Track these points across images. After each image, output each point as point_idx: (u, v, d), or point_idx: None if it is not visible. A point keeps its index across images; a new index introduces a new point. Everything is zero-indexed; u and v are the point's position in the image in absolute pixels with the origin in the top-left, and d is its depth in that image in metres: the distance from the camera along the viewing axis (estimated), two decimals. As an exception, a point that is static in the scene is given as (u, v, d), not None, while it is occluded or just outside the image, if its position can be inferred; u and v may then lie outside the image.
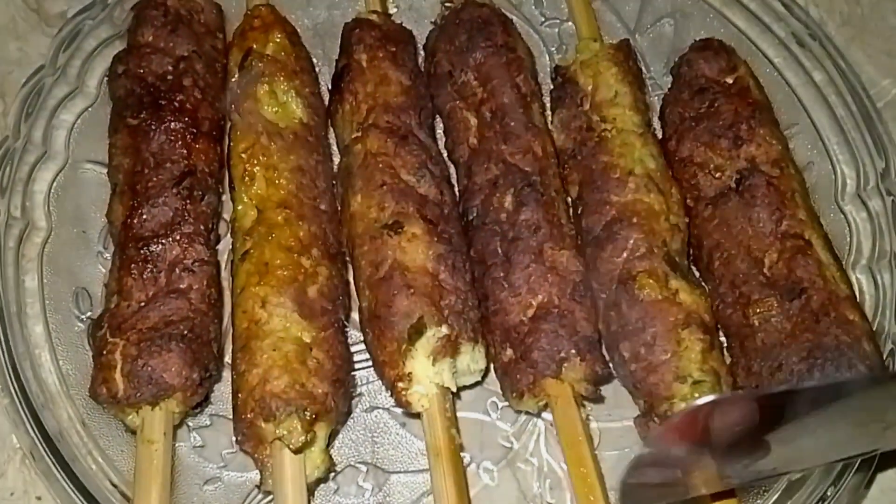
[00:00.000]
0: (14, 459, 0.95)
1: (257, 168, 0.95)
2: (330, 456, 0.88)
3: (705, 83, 1.04)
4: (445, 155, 1.05)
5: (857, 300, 0.95)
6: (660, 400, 0.89)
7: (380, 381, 0.93)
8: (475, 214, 0.98)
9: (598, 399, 0.94)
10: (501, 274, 0.93)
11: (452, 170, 1.04)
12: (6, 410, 0.89)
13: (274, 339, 0.87)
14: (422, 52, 1.11)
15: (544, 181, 0.97)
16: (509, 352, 0.91)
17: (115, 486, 0.88)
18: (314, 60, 1.11)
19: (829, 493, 0.87)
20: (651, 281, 0.91)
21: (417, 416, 0.90)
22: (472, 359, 0.91)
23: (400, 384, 0.88)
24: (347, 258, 0.99)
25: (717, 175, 1.00)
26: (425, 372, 0.88)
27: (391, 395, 0.90)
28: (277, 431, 0.84)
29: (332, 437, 0.92)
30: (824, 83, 1.08)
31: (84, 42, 1.06)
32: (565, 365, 0.89)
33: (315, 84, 1.05)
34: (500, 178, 0.97)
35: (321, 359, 0.87)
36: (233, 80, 1.02)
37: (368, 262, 0.92)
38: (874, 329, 0.95)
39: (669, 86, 1.10)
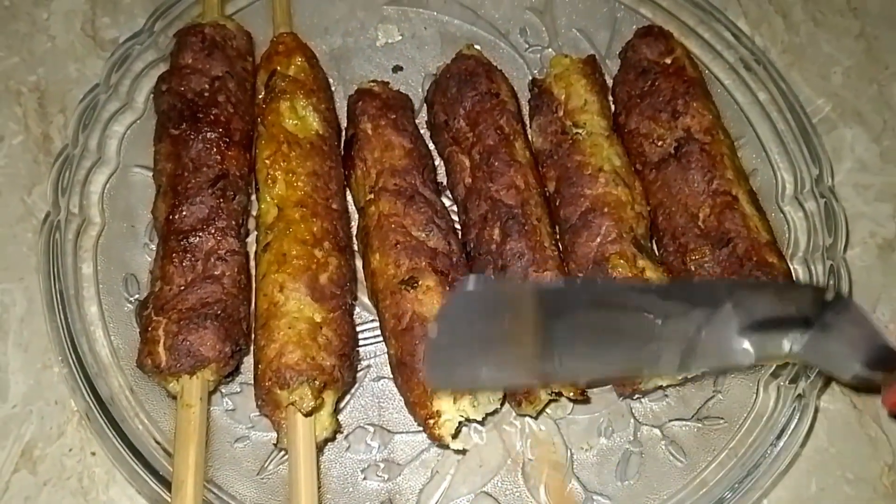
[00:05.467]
0: (72, 421, 0.96)
1: (279, 172, 0.96)
2: (337, 419, 0.90)
3: (647, 65, 1.06)
4: (449, 192, 1.05)
5: (778, 248, 0.96)
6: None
7: (385, 355, 0.94)
8: (472, 246, 0.98)
9: (586, 400, 0.96)
10: None
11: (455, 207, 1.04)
12: (65, 378, 0.90)
13: (289, 318, 0.88)
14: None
15: (526, 211, 0.96)
16: (508, 367, 0.92)
17: (158, 443, 0.90)
18: (330, 81, 1.11)
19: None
20: (622, 261, 0.93)
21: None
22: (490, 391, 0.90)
23: (430, 421, 0.87)
24: (356, 251, 1.00)
25: (659, 143, 1.02)
26: (450, 409, 0.87)
27: (424, 431, 0.89)
28: (290, 398, 0.85)
29: (339, 402, 0.93)
30: (767, 102, 1.09)
31: (133, 64, 1.06)
32: None
33: (330, 101, 1.06)
34: (488, 213, 0.97)
35: (330, 336, 0.89)
36: (260, 97, 1.03)
37: (391, 315, 0.92)
38: None
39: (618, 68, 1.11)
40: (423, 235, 0.95)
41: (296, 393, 0.85)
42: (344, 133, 1.07)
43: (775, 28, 1.26)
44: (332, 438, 0.92)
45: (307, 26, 1.16)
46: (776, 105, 1.09)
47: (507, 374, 0.74)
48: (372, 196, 0.98)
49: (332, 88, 1.12)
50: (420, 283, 0.91)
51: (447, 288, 0.92)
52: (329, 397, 0.88)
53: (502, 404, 0.93)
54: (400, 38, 1.18)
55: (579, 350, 0.72)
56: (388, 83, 1.08)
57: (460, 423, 0.89)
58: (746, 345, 0.75)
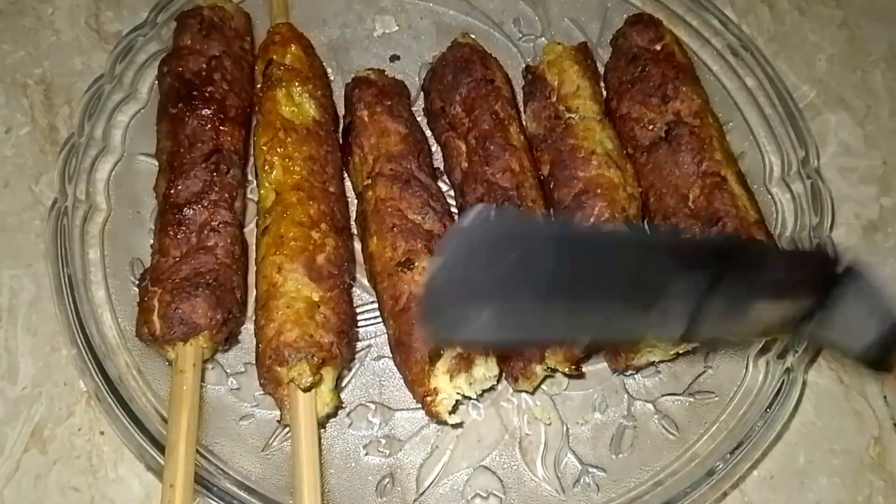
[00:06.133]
0: (81, 401, 0.98)
1: (276, 158, 0.97)
2: (338, 395, 0.91)
3: (637, 51, 1.07)
4: (445, 177, 1.07)
5: (766, 226, 0.97)
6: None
7: (385, 335, 0.95)
8: None
9: (581, 376, 0.97)
10: None
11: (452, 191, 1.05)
12: (74, 360, 0.91)
13: (287, 298, 0.89)
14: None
15: (521, 193, 0.98)
16: (504, 345, 0.92)
17: (165, 421, 0.89)
18: (329, 71, 1.12)
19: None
20: None
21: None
22: (486, 369, 0.91)
23: (427, 398, 0.88)
24: (354, 232, 1.01)
25: (650, 127, 1.03)
26: (446, 386, 0.89)
27: (423, 409, 0.90)
28: (290, 374, 0.86)
29: (340, 380, 0.94)
30: (755, 87, 1.10)
31: (136, 56, 1.07)
32: (547, 351, 0.91)
33: (326, 88, 1.07)
34: (485, 196, 0.98)
35: (328, 314, 0.89)
36: (258, 86, 1.04)
37: (389, 296, 0.93)
38: None
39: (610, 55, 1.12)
40: (419, 218, 0.96)
41: (294, 370, 0.86)
42: (342, 121, 1.08)
43: (762, 17, 1.28)
44: (334, 414, 0.94)
45: (306, 18, 1.17)
46: (763, 90, 1.10)
47: (509, 325, 0.64)
48: (369, 181, 0.99)
49: (331, 79, 1.13)
50: (416, 264, 0.92)
51: None
52: (328, 373, 0.89)
53: (498, 381, 0.94)
54: (397, 28, 1.19)
55: (587, 304, 0.66)
56: (384, 71, 1.09)
57: (457, 400, 0.90)
58: (756, 314, 0.72)
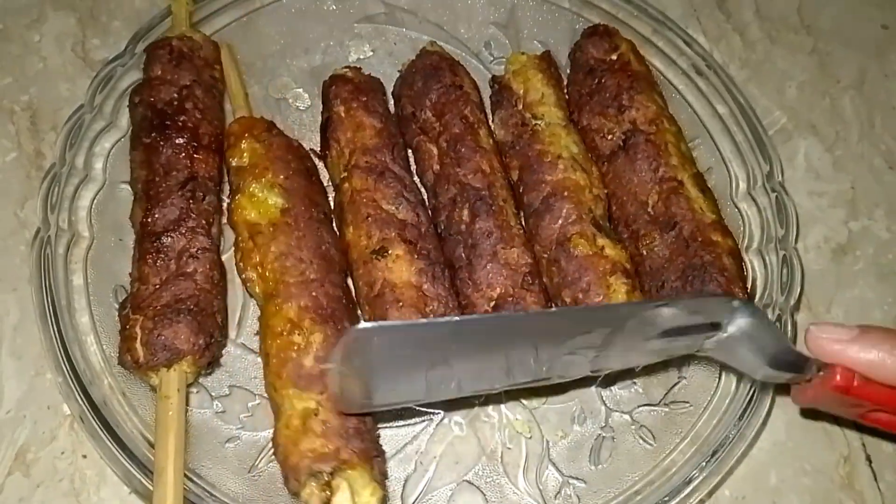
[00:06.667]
0: (64, 425, 0.97)
1: (251, 272, 0.95)
2: (380, 487, 0.84)
3: (594, 63, 1.10)
4: (417, 180, 1.08)
5: (723, 225, 1.00)
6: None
7: None
8: (442, 228, 1.02)
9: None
10: (467, 275, 0.97)
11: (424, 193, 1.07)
12: (59, 385, 0.91)
13: (286, 418, 0.85)
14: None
15: (493, 193, 1.00)
16: (481, 338, 0.95)
17: (151, 444, 0.90)
18: (309, 97, 1.15)
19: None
20: (582, 241, 0.97)
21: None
22: None
23: None
24: (348, 282, 0.99)
25: (609, 137, 1.06)
26: None
27: None
28: (303, 496, 0.82)
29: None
30: (719, 105, 1.13)
31: (117, 84, 1.08)
32: None
33: (288, 167, 1.02)
34: (457, 196, 1.00)
35: (327, 418, 0.85)
36: (225, 197, 1.04)
37: (364, 283, 0.95)
38: (765, 300, 1.00)
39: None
40: (393, 208, 0.98)
41: (304, 492, 0.82)
42: (321, 117, 1.10)
43: (733, 45, 1.31)
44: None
45: (288, 46, 1.19)
46: (727, 107, 1.12)
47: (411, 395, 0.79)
48: (346, 174, 1.02)
49: (310, 104, 1.15)
50: (390, 252, 0.95)
51: (415, 256, 0.95)
52: (350, 477, 0.83)
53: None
54: (371, 53, 1.21)
55: (480, 373, 0.77)
56: (360, 69, 1.11)
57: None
58: (655, 348, 0.79)
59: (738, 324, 0.77)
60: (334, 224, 1.04)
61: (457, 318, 0.75)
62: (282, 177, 1.00)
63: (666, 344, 0.78)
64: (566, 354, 0.77)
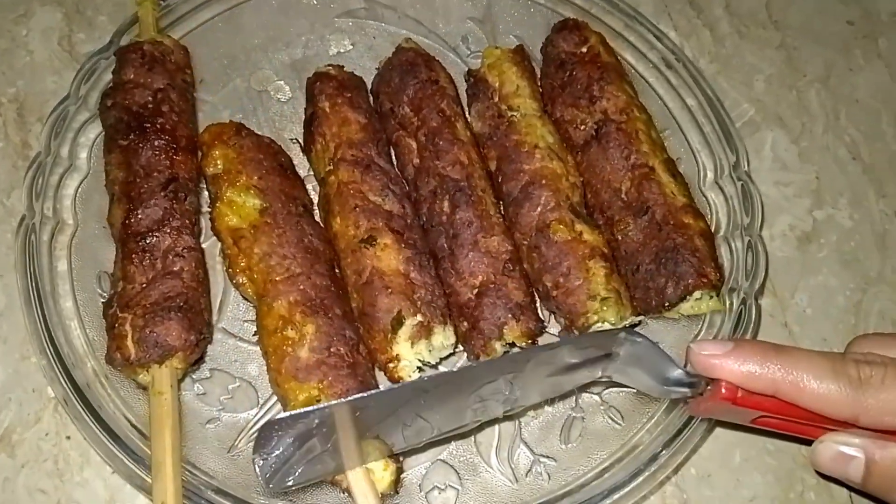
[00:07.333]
0: (48, 407, 0.99)
1: (241, 277, 0.97)
2: (396, 466, 0.90)
3: (565, 56, 1.12)
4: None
5: (694, 208, 1.03)
6: (577, 315, 0.96)
7: None
8: (424, 219, 1.03)
9: None
10: (450, 264, 0.99)
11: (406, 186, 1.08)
12: (44, 369, 0.92)
13: (292, 409, 0.88)
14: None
15: (472, 184, 1.02)
16: (464, 324, 0.97)
17: (133, 426, 0.92)
18: (290, 89, 1.17)
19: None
20: (561, 227, 0.99)
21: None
22: (444, 337, 0.96)
23: (390, 364, 0.93)
24: (335, 270, 1.00)
25: (582, 127, 1.08)
26: (408, 353, 0.93)
27: (385, 374, 0.94)
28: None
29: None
30: (688, 97, 1.15)
31: (101, 76, 1.09)
32: (505, 328, 0.95)
33: (261, 166, 1.03)
34: (437, 188, 1.02)
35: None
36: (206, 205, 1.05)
37: (353, 271, 0.97)
38: (730, 285, 1.02)
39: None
40: (380, 200, 1.00)
41: None
42: (304, 112, 1.11)
43: (703, 40, 1.33)
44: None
45: (270, 40, 1.21)
46: (696, 99, 1.15)
47: (336, 465, 0.83)
48: (331, 167, 1.03)
49: (293, 96, 1.17)
50: (378, 241, 0.96)
51: (402, 245, 0.97)
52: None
53: (455, 347, 0.99)
54: (351, 47, 1.23)
55: (403, 431, 0.82)
56: (342, 66, 1.13)
57: (418, 366, 0.94)
58: (558, 382, 0.85)
59: (627, 350, 0.82)
60: (319, 217, 1.05)
61: (360, 395, 0.79)
62: (256, 178, 1.01)
63: (567, 377, 0.84)
64: (477, 403, 0.82)
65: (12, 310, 1.03)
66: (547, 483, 0.96)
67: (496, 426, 1.00)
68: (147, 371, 0.91)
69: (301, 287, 0.94)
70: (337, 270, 1.01)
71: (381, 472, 0.88)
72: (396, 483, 0.91)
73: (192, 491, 0.88)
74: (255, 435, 0.76)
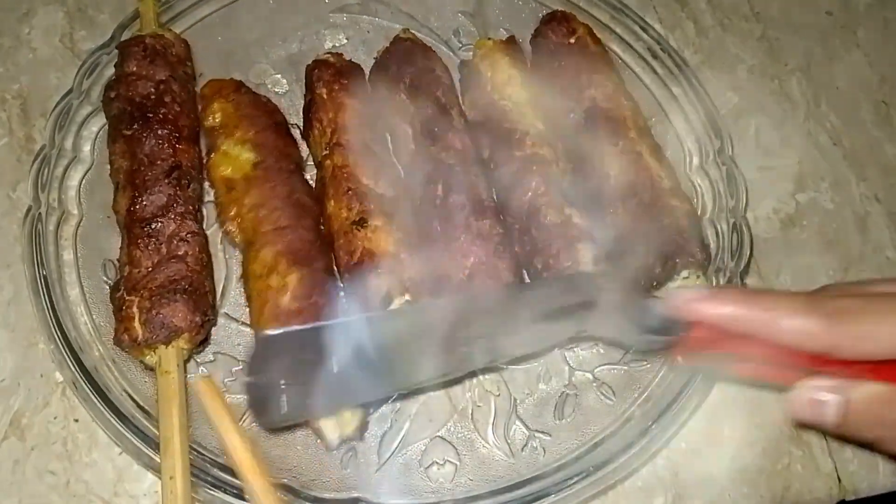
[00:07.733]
0: (56, 392, 1.01)
1: (229, 223, 1.00)
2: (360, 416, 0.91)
3: (553, 47, 1.15)
4: (395, 159, 1.11)
5: (680, 191, 1.05)
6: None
7: None
8: (419, 203, 1.05)
9: None
10: (442, 246, 1.00)
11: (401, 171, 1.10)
12: (52, 354, 0.94)
13: None
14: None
15: (464, 169, 1.04)
16: (459, 304, 0.98)
17: (140, 406, 0.94)
18: (287, 82, 1.19)
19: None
20: (551, 210, 1.01)
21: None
22: None
23: None
24: (320, 227, 1.02)
25: (572, 115, 1.11)
26: None
27: None
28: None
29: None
30: (674, 85, 1.17)
31: (104, 71, 1.11)
32: None
33: (258, 122, 1.06)
34: (432, 173, 1.04)
35: None
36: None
37: (345, 252, 0.99)
38: (717, 265, 1.05)
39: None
40: (372, 183, 1.02)
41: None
42: (304, 99, 1.13)
43: (687, 32, 1.36)
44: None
45: (267, 35, 1.23)
46: (681, 88, 1.17)
47: (329, 400, 0.82)
48: (327, 151, 1.05)
49: (289, 88, 1.20)
50: (369, 222, 0.98)
51: (393, 227, 0.99)
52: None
53: None
54: (346, 41, 1.25)
55: (392, 370, 0.81)
56: (341, 54, 1.15)
57: None
58: (541, 331, 0.83)
59: (606, 298, 0.81)
60: (313, 192, 1.06)
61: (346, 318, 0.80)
62: (252, 133, 1.04)
63: (550, 326, 0.83)
64: (461, 347, 0.82)
65: (20, 299, 1.05)
66: (542, 457, 0.98)
67: (492, 403, 1.02)
68: (154, 352, 0.93)
69: (288, 238, 0.97)
70: (322, 227, 1.03)
71: (350, 417, 0.90)
72: (361, 428, 0.92)
73: (198, 468, 0.90)
74: (250, 354, 0.75)
